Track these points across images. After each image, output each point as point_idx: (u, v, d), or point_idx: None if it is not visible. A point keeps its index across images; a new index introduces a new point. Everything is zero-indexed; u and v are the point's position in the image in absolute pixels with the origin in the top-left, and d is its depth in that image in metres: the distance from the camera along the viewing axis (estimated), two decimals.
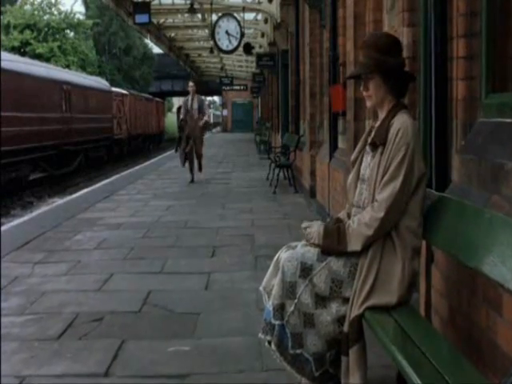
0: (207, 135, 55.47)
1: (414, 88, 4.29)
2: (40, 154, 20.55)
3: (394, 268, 2.76)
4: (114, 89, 31.93)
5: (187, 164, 13.50)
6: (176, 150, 13.95)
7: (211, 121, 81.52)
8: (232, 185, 12.97)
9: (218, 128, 70.99)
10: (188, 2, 18.01)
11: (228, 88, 40.60)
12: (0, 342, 4.04)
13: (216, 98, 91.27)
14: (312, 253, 2.88)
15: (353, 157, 3.09)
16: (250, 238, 7.25)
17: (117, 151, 31.45)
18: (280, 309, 2.87)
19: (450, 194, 3.35)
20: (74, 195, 12.47)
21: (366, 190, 2.92)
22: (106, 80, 35.34)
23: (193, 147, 13.30)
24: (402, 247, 2.78)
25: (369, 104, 3.04)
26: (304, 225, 2.99)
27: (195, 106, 13.29)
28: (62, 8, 64.41)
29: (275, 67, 20.74)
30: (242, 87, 42.07)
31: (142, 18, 14.12)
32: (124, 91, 34.38)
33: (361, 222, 2.80)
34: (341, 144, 7.57)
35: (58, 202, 11.79)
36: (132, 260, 6.30)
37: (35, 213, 10.13)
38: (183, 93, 40.58)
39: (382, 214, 2.74)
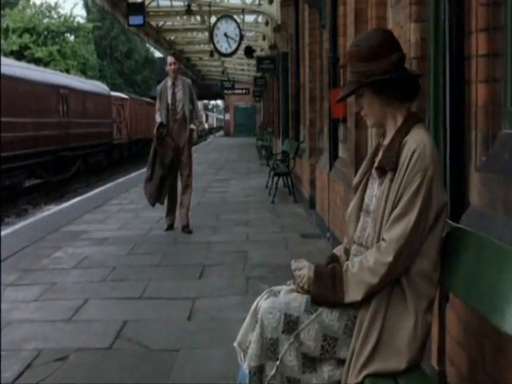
0: (209, 139, 54.98)
1: (421, 93, 3.73)
2: (36, 160, 20.05)
3: (403, 323, 2.17)
4: (113, 93, 31.43)
5: (166, 201, 8.13)
6: (150, 179, 7.88)
7: (209, 124, 77.55)
8: (229, 193, 12.39)
9: (221, 132, 70.52)
10: (186, 3, 17.47)
11: (230, 92, 40.06)
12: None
13: (219, 102, 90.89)
14: (299, 302, 2.28)
15: (355, 181, 2.49)
16: (243, 255, 6.68)
17: (117, 156, 30.98)
18: (258, 372, 2.28)
19: (467, 220, 2.78)
20: (63, 205, 11.91)
21: (370, 225, 2.32)
22: (107, 84, 34.89)
23: (176, 170, 8.11)
24: (413, 296, 2.19)
25: (369, 124, 2.45)
26: (293, 266, 2.40)
27: (179, 96, 8.04)
28: (62, 11, 64.01)
29: (276, 70, 20.19)
30: (243, 91, 41.54)
31: (136, 20, 13.58)
32: (124, 95, 33.86)
33: (363, 266, 2.21)
34: (341, 153, 7.00)
35: (44, 213, 11.22)
36: (111, 282, 5.73)
37: (18, 225, 9.56)
38: None
39: (390, 259, 2.16)
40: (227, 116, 56.14)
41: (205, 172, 17.25)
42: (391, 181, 2.24)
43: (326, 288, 2.23)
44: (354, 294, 2.20)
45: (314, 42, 9.66)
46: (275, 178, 11.34)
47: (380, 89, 2.31)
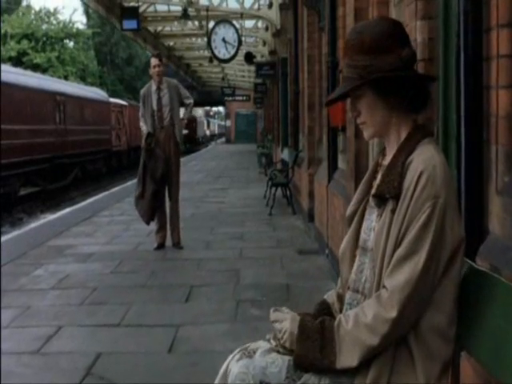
0: (210, 146, 54.47)
1: (429, 101, 3.28)
2: (32, 168, 19.68)
3: None
4: (112, 99, 31.13)
5: (156, 220, 7.46)
6: (142, 196, 7.25)
7: (211, 131, 76.42)
8: (226, 204, 11.93)
9: (223, 139, 70.19)
10: (183, 8, 17.07)
11: (230, 99, 39.63)
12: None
13: (221, 109, 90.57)
14: (279, 366, 1.80)
15: (349, 210, 1.99)
16: (235, 273, 6.22)
17: (116, 164, 30.64)
18: None
19: (486, 255, 2.32)
20: (51, 217, 11.48)
21: (368, 267, 1.85)
22: (107, 91, 34.60)
23: (165, 183, 7.46)
24: (424, 359, 1.72)
25: (366, 134, 1.93)
26: (273, 316, 1.91)
27: (165, 100, 7.38)
28: (61, 17, 63.61)
29: (276, 76, 19.78)
30: (244, 98, 41.11)
31: (130, 24, 13.19)
32: (123, 102, 33.55)
33: (360, 323, 1.73)
34: (341, 164, 6.54)
35: (32, 225, 10.79)
36: (90, 306, 5.27)
37: (3, 238, 9.10)
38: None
39: (393, 314, 1.68)
40: (228, 123, 55.86)
41: (202, 181, 16.85)
42: (393, 212, 1.76)
43: (312, 348, 1.75)
44: (348, 357, 1.72)
45: (312, 46, 9.22)
46: (273, 189, 10.88)
47: (387, 90, 1.82)
